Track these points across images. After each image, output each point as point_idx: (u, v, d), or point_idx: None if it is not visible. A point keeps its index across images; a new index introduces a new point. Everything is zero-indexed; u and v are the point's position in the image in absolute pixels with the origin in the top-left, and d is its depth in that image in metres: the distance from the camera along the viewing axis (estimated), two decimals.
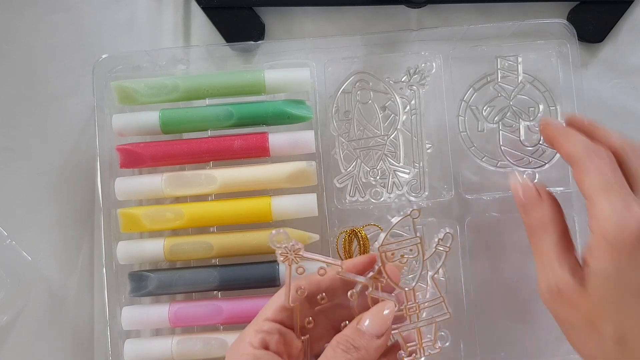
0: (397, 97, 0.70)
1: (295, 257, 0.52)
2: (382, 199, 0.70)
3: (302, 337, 0.54)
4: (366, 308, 0.53)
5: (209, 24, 0.74)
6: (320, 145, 0.69)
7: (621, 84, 0.74)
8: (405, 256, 0.54)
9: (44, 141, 0.74)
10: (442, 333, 0.68)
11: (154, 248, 0.67)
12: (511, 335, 0.70)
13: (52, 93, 0.74)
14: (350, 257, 0.67)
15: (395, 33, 0.72)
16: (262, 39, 0.74)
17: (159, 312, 0.67)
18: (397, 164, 0.70)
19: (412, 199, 0.70)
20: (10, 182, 0.73)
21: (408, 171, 0.70)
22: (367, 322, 0.51)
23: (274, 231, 0.52)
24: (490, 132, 0.71)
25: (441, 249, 0.55)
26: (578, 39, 0.70)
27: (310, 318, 0.54)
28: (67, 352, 0.72)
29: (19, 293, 0.71)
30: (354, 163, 0.70)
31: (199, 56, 0.73)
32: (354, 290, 0.53)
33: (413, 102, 0.70)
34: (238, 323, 0.67)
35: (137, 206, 0.70)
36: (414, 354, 0.55)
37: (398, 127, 0.70)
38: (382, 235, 0.53)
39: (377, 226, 0.69)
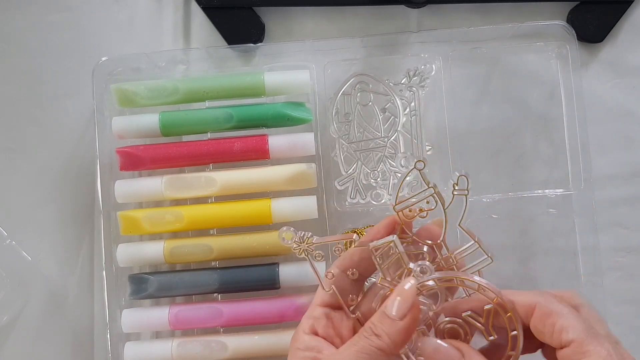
0: (396, 99, 0.70)
1: (308, 246, 0.52)
2: (382, 201, 0.70)
3: (352, 316, 0.54)
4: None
5: (209, 24, 0.73)
6: (320, 147, 0.69)
7: (621, 84, 0.73)
8: (424, 209, 0.53)
9: (44, 141, 0.74)
10: None
11: (154, 250, 0.68)
12: None
13: (52, 93, 0.74)
14: None
15: (395, 35, 0.72)
16: (262, 39, 0.74)
17: (159, 314, 0.67)
18: (396, 166, 0.70)
19: (413, 200, 0.69)
20: (10, 182, 0.73)
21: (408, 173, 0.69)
22: (388, 305, 0.49)
23: (282, 229, 0.52)
24: None
25: (457, 193, 0.52)
26: (578, 39, 0.70)
27: (352, 295, 0.53)
28: (67, 352, 0.72)
29: (19, 293, 0.72)
30: (354, 165, 0.70)
31: (198, 57, 0.73)
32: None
33: (413, 103, 0.70)
34: (238, 325, 0.67)
35: (137, 209, 0.70)
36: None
37: (398, 128, 0.70)
38: (393, 194, 0.52)
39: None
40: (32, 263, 0.72)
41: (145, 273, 0.68)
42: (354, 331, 0.53)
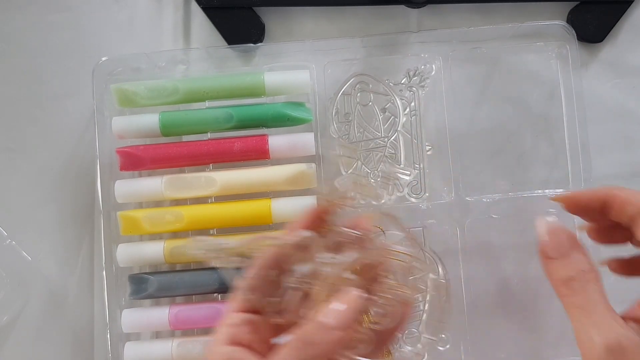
0: (397, 99, 0.70)
1: (221, 252, 0.50)
2: (382, 201, 0.70)
3: (276, 320, 0.50)
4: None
5: (209, 24, 0.73)
6: (320, 147, 0.69)
7: (621, 84, 0.73)
8: (354, 198, 0.52)
9: (44, 141, 0.74)
10: (443, 336, 0.68)
11: (154, 250, 0.68)
12: (511, 337, 0.70)
13: (52, 93, 0.74)
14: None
15: (395, 35, 0.72)
16: (262, 39, 0.74)
17: (159, 314, 0.67)
18: (397, 166, 0.70)
19: (413, 200, 0.70)
20: (10, 182, 0.73)
21: (409, 173, 0.70)
22: (326, 314, 0.46)
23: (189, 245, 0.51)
24: None
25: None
26: (578, 40, 0.70)
27: (271, 298, 0.50)
28: (67, 352, 0.72)
29: (19, 293, 0.72)
30: (354, 165, 0.70)
31: (198, 57, 0.73)
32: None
33: (413, 103, 0.71)
34: None
35: (137, 209, 0.70)
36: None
37: (398, 129, 0.70)
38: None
39: (379, 227, 0.69)
40: (32, 263, 0.72)
41: (145, 273, 0.68)
42: (277, 334, 0.51)
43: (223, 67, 0.74)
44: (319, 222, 0.52)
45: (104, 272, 0.68)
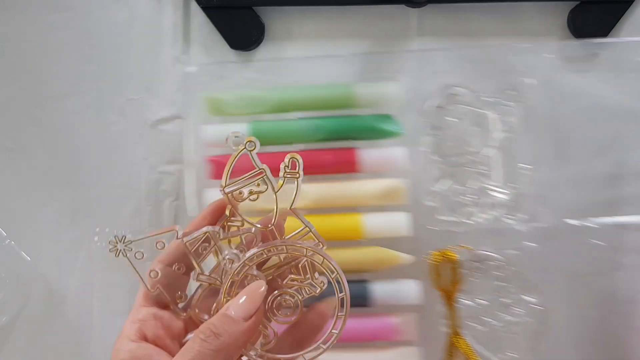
0: (491, 113, 0.68)
1: (125, 246, 0.49)
2: (475, 220, 0.67)
3: (183, 315, 0.50)
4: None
5: (209, 23, 0.73)
6: (410, 162, 0.67)
7: (621, 84, 0.73)
8: (254, 191, 0.51)
9: (44, 141, 0.74)
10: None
11: None
12: None
13: (52, 93, 0.74)
14: (440, 280, 0.66)
15: (495, 48, 0.71)
16: (262, 39, 0.74)
17: None
18: (491, 184, 0.68)
19: (509, 221, 0.67)
20: (10, 182, 0.74)
21: (503, 191, 0.67)
22: (233, 306, 0.46)
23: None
24: None
25: (290, 176, 0.50)
26: (578, 39, 0.70)
27: (180, 292, 0.50)
28: (66, 352, 0.72)
29: (18, 293, 0.72)
30: (446, 181, 0.68)
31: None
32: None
33: (508, 119, 0.68)
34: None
35: None
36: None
37: (493, 145, 0.68)
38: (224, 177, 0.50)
39: (468, 248, 0.67)
40: (31, 263, 0.72)
41: None
42: (186, 330, 0.51)
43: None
44: (222, 216, 0.51)
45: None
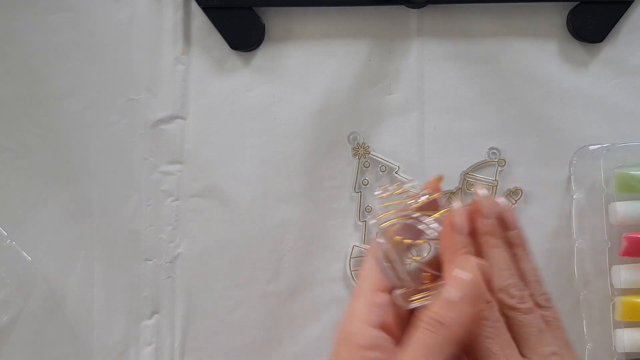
0: None
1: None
2: None
3: (412, 305, 0.46)
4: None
5: (209, 24, 0.73)
6: None
7: (621, 84, 0.73)
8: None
9: (44, 141, 0.74)
10: None
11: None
12: None
13: (52, 93, 0.74)
14: None
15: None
16: (263, 39, 0.74)
17: None
18: None
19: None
20: (10, 182, 0.73)
21: None
22: (448, 289, 0.42)
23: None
24: None
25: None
26: (578, 39, 0.70)
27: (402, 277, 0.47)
28: (67, 352, 0.72)
29: (19, 293, 0.72)
30: None
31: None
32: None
33: None
34: None
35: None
36: None
37: None
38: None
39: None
40: (32, 263, 0.72)
41: None
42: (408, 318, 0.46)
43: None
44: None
45: None
